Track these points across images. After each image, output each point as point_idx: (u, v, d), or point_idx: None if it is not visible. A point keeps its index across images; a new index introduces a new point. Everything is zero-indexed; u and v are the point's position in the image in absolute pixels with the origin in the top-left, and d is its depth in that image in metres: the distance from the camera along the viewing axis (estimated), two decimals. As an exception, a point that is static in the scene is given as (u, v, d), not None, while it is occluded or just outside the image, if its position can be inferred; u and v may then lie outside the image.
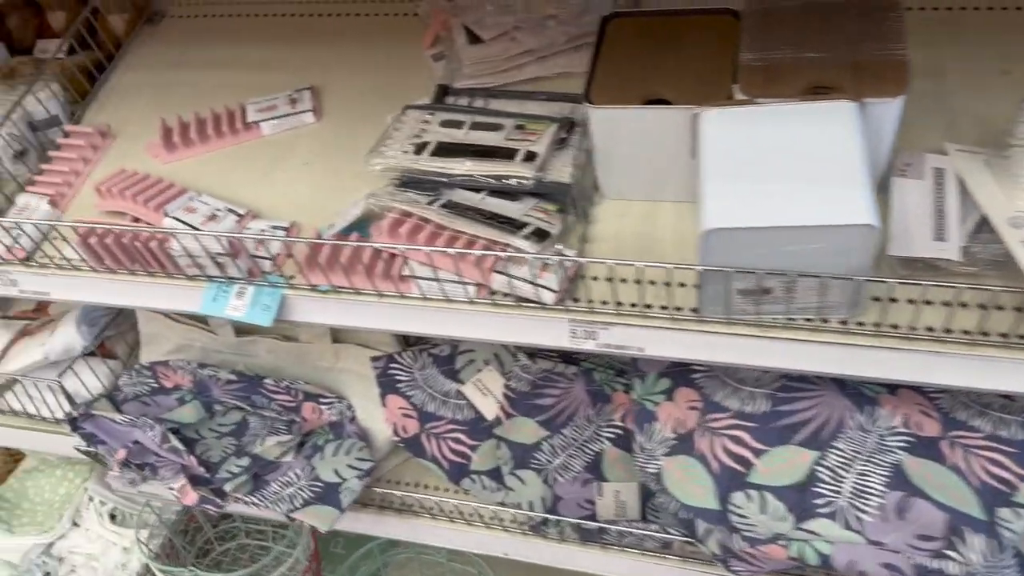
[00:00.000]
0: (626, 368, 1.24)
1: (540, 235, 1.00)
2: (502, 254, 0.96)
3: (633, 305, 0.96)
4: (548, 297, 0.97)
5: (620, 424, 1.24)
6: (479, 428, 1.31)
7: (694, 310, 0.94)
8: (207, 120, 1.26)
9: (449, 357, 1.31)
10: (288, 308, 1.08)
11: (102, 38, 1.45)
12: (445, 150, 1.10)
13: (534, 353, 1.26)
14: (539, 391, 1.25)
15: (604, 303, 0.96)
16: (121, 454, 1.35)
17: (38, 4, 1.58)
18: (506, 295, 1.01)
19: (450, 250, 0.97)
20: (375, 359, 1.32)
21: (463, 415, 1.31)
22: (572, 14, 1.21)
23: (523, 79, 1.22)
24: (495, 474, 1.29)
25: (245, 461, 1.33)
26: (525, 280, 0.97)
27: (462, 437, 1.32)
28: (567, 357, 1.27)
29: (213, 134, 1.25)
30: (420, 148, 1.11)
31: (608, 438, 1.24)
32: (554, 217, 1.03)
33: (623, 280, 0.98)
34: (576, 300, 0.98)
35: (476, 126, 1.13)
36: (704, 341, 0.94)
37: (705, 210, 0.84)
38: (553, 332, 0.99)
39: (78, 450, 1.44)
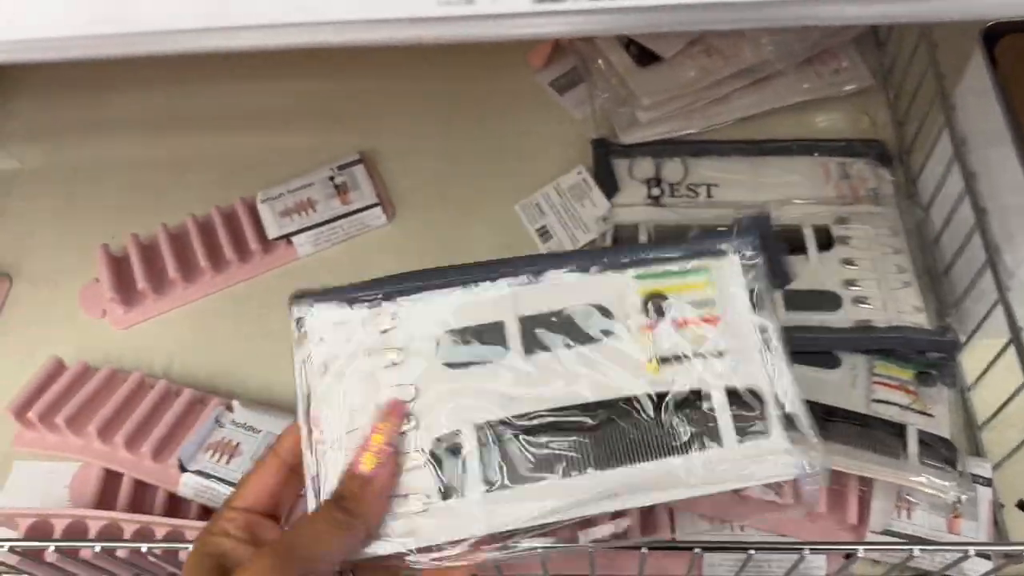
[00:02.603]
0: None
1: (939, 453, 0.55)
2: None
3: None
4: (977, 567, 0.53)
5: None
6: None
7: None
8: (190, 237, 0.71)
9: None
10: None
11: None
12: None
13: None
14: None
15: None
16: None
17: None
18: (876, 563, 0.56)
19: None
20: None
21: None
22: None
23: (734, 118, 0.74)
24: None
25: None
26: (937, 544, 0.52)
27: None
28: None
29: (208, 266, 0.70)
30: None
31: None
32: (922, 397, 0.58)
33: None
34: (1011, 558, 0.55)
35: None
36: None
37: None
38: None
39: None
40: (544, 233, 0.71)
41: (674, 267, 0.43)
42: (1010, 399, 0.54)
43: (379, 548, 0.39)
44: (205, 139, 0.79)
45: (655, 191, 0.70)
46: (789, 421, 0.40)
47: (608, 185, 0.71)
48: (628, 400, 0.40)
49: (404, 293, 0.42)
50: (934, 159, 0.66)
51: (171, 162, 0.78)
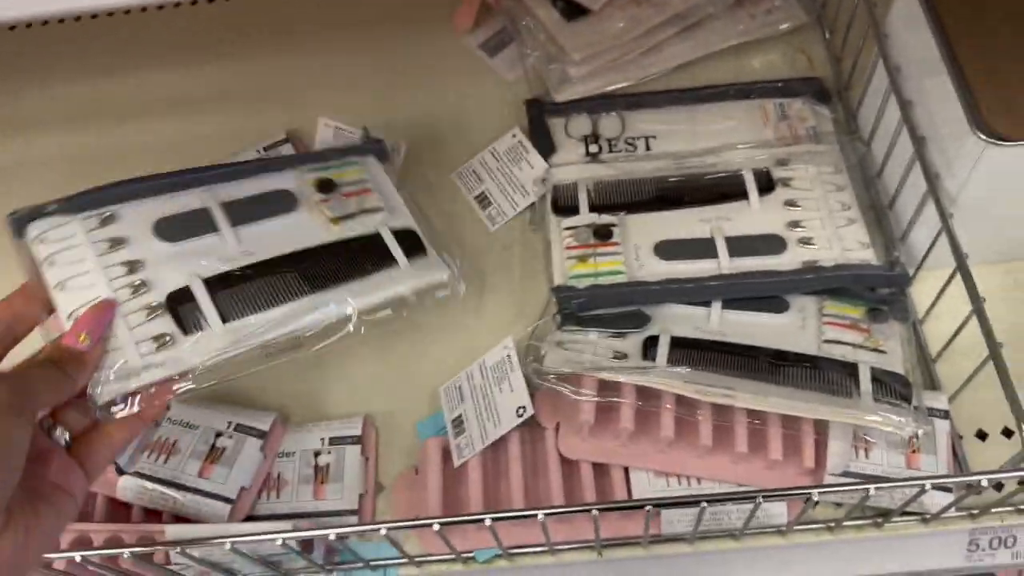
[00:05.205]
0: None
1: (893, 389, 0.54)
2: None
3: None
4: (939, 501, 0.52)
5: None
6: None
7: None
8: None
9: None
10: (413, 601, 0.57)
11: None
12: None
13: None
14: None
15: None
16: None
17: None
18: (838, 506, 0.55)
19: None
20: None
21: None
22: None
23: (669, 67, 0.72)
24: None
25: None
26: (893, 482, 0.51)
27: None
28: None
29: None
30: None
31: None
32: (874, 334, 0.57)
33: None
34: (972, 488, 0.54)
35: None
36: None
37: None
38: (934, 550, 0.55)
39: None
40: (483, 199, 0.69)
41: (333, 164, 0.61)
42: (960, 328, 0.53)
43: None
44: (127, 129, 0.76)
45: (593, 148, 0.68)
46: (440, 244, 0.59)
47: (544, 145, 0.69)
48: (323, 247, 0.55)
49: (121, 198, 0.53)
50: (871, 92, 0.65)
51: (92, 157, 0.74)
